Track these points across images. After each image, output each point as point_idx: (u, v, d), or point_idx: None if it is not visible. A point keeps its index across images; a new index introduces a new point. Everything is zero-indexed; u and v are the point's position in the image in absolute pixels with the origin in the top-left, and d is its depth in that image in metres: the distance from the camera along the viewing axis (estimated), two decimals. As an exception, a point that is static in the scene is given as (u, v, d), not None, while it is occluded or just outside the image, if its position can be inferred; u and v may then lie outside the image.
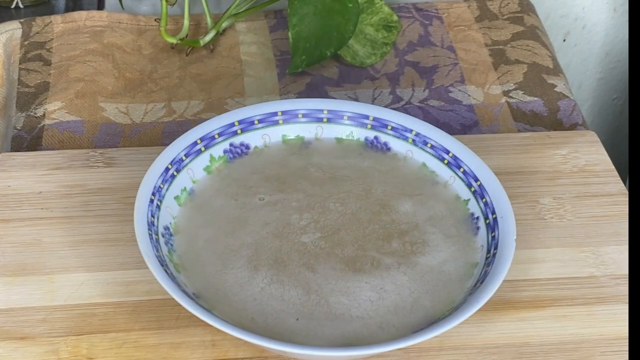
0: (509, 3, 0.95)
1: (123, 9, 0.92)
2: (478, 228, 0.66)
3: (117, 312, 0.64)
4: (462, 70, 0.87)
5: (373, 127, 0.71)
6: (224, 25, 0.90)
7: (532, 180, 0.74)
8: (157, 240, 0.63)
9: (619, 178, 0.75)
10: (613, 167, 0.76)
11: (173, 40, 0.87)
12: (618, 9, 1.10)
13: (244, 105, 0.82)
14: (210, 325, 0.56)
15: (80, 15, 0.91)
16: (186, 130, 0.69)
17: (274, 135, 0.71)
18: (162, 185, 0.65)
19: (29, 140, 0.79)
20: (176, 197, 0.66)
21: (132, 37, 0.90)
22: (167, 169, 0.66)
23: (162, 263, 0.60)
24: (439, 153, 0.69)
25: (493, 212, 0.65)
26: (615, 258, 0.68)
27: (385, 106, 0.83)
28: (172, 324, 0.63)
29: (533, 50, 0.90)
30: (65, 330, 0.63)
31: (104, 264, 0.67)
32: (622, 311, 0.65)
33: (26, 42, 0.89)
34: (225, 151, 0.70)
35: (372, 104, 0.81)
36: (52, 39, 0.89)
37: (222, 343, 0.62)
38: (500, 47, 0.90)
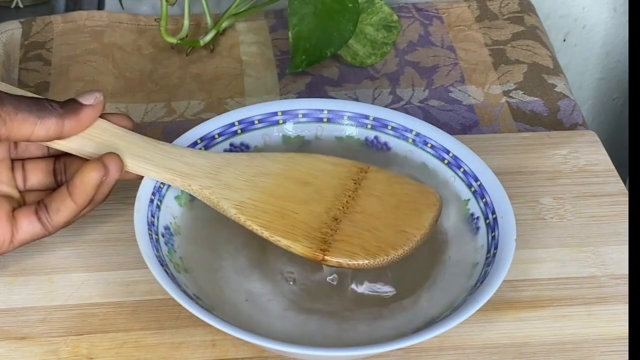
0: (509, 3, 0.95)
1: (123, 9, 0.92)
2: (478, 228, 0.66)
3: (117, 312, 0.64)
4: (462, 70, 0.87)
5: (373, 127, 0.71)
6: (224, 25, 0.90)
7: (532, 180, 0.74)
8: (157, 240, 0.63)
9: (619, 178, 0.75)
10: (613, 167, 0.76)
11: (173, 40, 0.87)
12: (618, 9, 1.10)
13: (244, 105, 0.82)
14: (210, 325, 0.56)
15: (80, 15, 0.91)
16: (186, 130, 0.69)
17: (274, 135, 0.71)
18: (162, 185, 0.65)
19: (29, 140, 0.79)
20: (176, 197, 0.66)
21: (132, 37, 0.90)
22: (167, 169, 0.66)
23: (162, 263, 0.61)
24: (439, 153, 0.69)
25: (493, 212, 0.65)
26: (615, 258, 0.68)
27: (385, 106, 0.83)
28: (172, 324, 0.63)
29: (533, 50, 0.90)
30: (65, 330, 0.63)
31: (104, 264, 0.67)
32: (622, 311, 0.65)
33: (26, 42, 0.89)
34: (225, 151, 0.70)
35: (372, 104, 0.81)
36: (52, 38, 0.89)
37: (222, 343, 0.62)
38: (501, 47, 0.90)
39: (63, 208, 0.61)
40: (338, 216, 0.62)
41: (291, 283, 0.62)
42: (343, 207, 0.63)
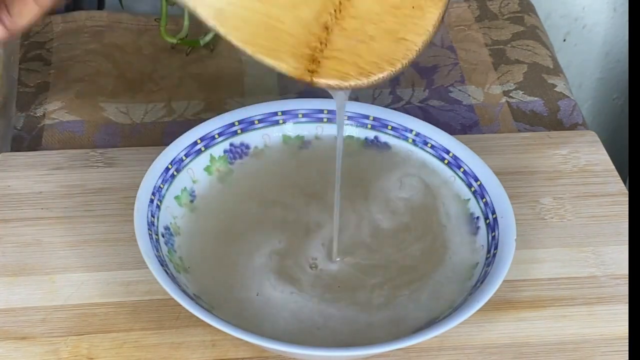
0: (509, 3, 0.95)
1: (123, 8, 0.92)
2: (478, 228, 0.66)
3: (117, 312, 0.64)
4: (462, 70, 0.87)
5: (373, 127, 0.71)
6: (224, 25, 0.89)
7: (532, 180, 0.74)
8: (157, 240, 0.63)
9: (619, 178, 0.75)
10: (613, 167, 0.76)
11: (173, 40, 0.87)
12: (618, 9, 1.10)
13: (244, 105, 0.82)
14: (210, 325, 0.56)
15: (80, 15, 0.91)
16: (186, 130, 0.69)
17: (274, 135, 0.71)
18: (162, 185, 0.65)
19: (29, 140, 0.79)
20: (176, 197, 0.66)
21: (132, 37, 0.90)
22: (167, 169, 0.66)
23: (162, 263, 0.61)
24: (439, 153, 0.69)
25: (493, 212, 0.65)
26: (615, 258, 0.68)
27: (385, 106, 0.82)
28: (172, 324, 0.63)
29: (533, 50, 0.90)
30: (65, 330, 0.63)
31: (104, 264, 0.67)
32: (622, 311, 0.65)
33: (26, 42, 0.89)
34: (225, 151, 0.70)
35: (372, 104, 0.81)
36: (52, 38, 0.89)
37: (222, 343, 0.62)
38: (501, 47, 0.90)
39: (26, 11, 0.56)
40: (329, 23, 0.55)
41: (310, 270, 0.63)
42: (335, 10, 0.55)
